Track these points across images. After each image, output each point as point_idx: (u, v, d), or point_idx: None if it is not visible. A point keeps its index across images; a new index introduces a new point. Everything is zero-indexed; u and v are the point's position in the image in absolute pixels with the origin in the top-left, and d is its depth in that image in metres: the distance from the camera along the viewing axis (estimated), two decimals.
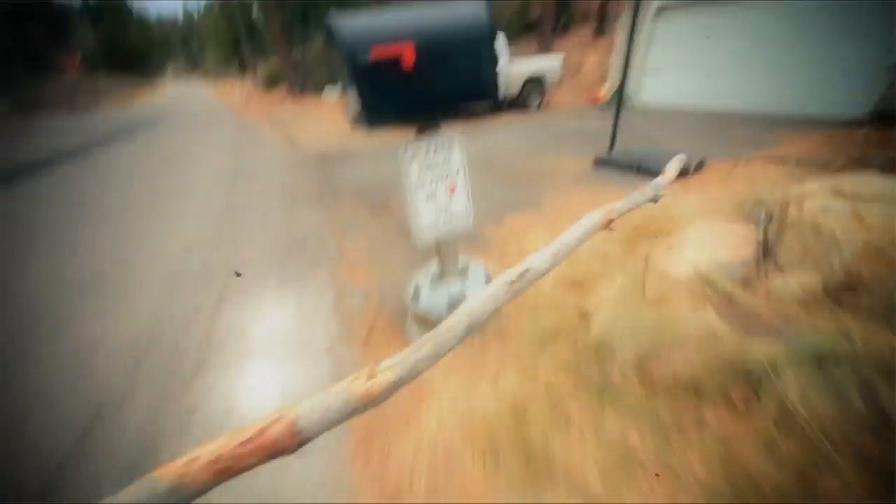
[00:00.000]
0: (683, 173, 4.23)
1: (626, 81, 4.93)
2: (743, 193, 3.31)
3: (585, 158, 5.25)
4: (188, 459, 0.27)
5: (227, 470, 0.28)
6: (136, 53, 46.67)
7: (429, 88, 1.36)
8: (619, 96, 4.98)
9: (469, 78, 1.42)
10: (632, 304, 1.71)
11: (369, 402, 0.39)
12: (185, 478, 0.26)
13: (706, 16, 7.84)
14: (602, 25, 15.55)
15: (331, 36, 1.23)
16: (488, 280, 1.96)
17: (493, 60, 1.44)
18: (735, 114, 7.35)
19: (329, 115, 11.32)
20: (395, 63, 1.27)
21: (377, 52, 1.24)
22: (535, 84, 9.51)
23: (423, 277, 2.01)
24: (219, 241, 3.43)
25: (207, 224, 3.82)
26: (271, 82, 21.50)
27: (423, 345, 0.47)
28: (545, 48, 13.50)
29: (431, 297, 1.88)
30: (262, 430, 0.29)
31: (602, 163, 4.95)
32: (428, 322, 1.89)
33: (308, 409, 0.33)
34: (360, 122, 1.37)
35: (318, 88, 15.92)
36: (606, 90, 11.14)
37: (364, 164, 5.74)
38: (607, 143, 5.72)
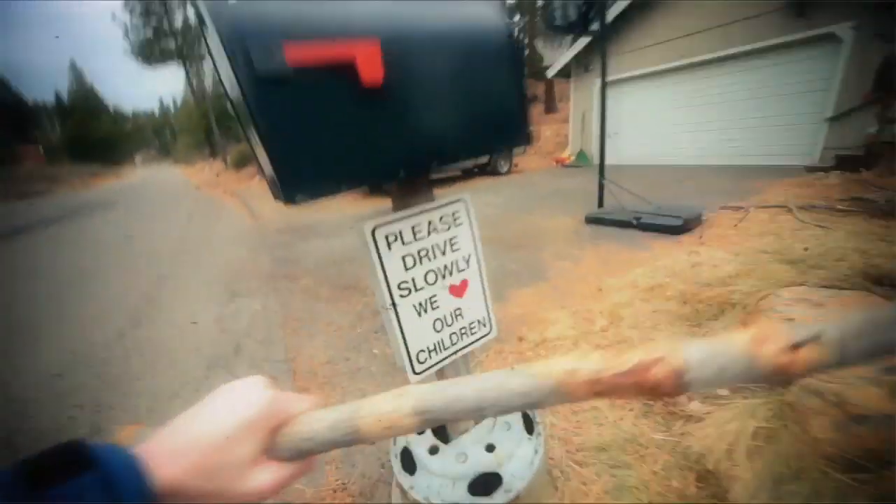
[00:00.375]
0: (686, 228, 3.86)
1: (604, 143, 4.82)
2: (780, 247, 2.87)
3: (572, 216, 4.89)
4: (569, 369, 0.26)
5: (601, 392, 0.25)
6: (103, 144, 47.01)
7: (411, 123, 0.74)
8: (601, 160, 4.81)
9: (484, 106, 0.82)
10: (793, 443, 0.96)
11: (781, 377, 0.23)
12: (565, 386, 0.26)
13: (650, 85, 8.58)
14: (551, 104, 17.58)
15: (203, 25, 0.59)
16: (531, 425, 1.17)
17: (520, 77, 0.86)
18: (693, 167, 7.63)
19: None
20: (340, 76, 0.64)
21: (302, 53, 0.61)
22: (502, 153, 10.06)
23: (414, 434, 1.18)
24: (112, 356, 2.45)
25: (107, 329, 2.84)
26: (241, 162, 21.57)
27: (889, 317, 0.20)
28: None
29: (438, 476, 1.05)
30: (645, 368, 0.24)
31: (594, 220, 4.57)
32: None
33: (699, 362, 0.23)
34: (276, 192, 0.69)
35: None
36: (569, 153, 11.84)
37: (333, 235, 5.07)
38: (588, 200, 5.48)
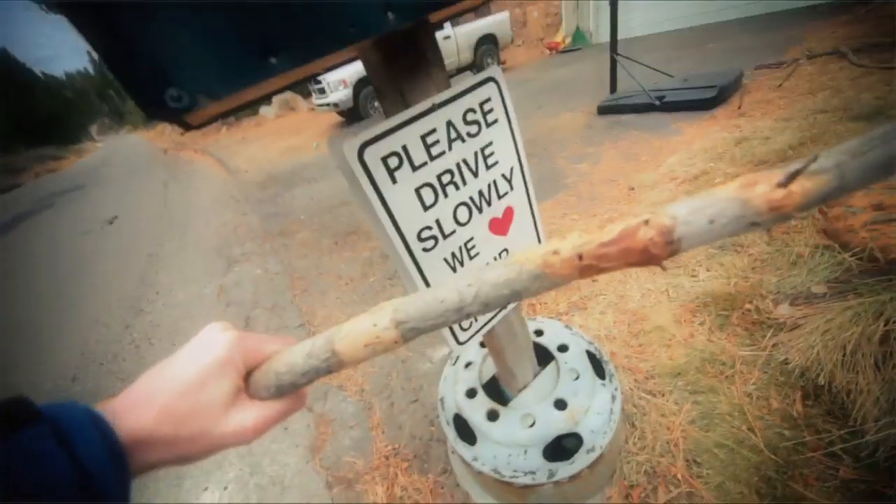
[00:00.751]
0: (720, 99, 3.29)
1: (615, 8, 3.90)
2: (841, 101, 2.40)
3: (581, 109, 4.28)
4: (550, 249, 0.25)
5: (589, 268, 0.24)
6: (51, 118, 42.82)
7: None
8: (613, 32, 3.95)
9: None
10: None
11: (776, 217, 0.21)
12: (549, 268, 0.25)
13: None
14: None
15: None
16: (601, 368, 0.97)
17: None
18: (714, 25, 6.49)
19: (269, 133, 10.00)
20: None
21: None
22: (488, 47, 8.70)
23: (462, 395, 1.00)
24: (122, 350, 2.32)
25: (111, 321, 2.69)
26: None
27: (880, 138, 0.18)
28: (484, 12, 12.50)
29: (504, 445, 0.88)
30: (629, 233, 0.22)
31: (608, 109, 3.98)
32: (508, 485, 0.90)
33: (688, 214, 0.22)
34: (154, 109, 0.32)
35: (253, 109, 14.40)
36: (563, 35, 10.22)
37: (320, 179, 4.62)
38: (595, 87, 4.78)
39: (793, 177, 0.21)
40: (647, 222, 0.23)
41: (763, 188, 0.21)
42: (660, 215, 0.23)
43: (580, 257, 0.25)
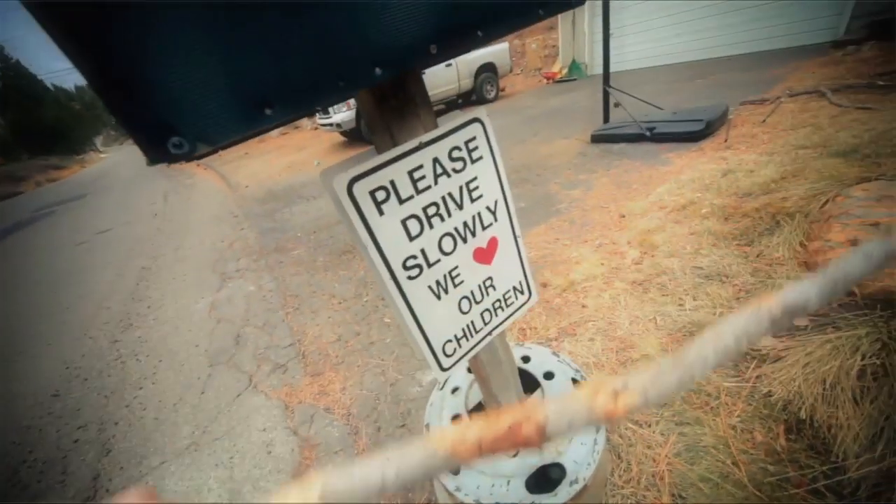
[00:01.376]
0: (708, 132, 3.43)
1: (607, 44, 4.12)
2: (821, 138, 2.51)
3: (576, 137, 4.43)
4: (458, 438, 0.30)
5: (486, 451, 0.30)
6: (57, 129, 43.54)
7: None
8: (605, 66, 4.16)
9: None
10: None
11: (609, 421, 0.30)
12: (457, 453, 0.29)
13: None
14: None
15: None
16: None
17: None
18: (701, 62, 6.86)
19: (272, 150, 10.18)
20: None
21: None
22: (487, 75, 9.04)
23: (448, 421, 1.00)
24: (108, 365, 2.27)
25: (98, 335, 2.64)
26: None
27: (668, 371, 0.30)
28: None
29: (488, 475, 0.88)
30: (516, 428, 0.30)
31: (601, 138, 4.12)
32: None
33: (555, 415, 0.30)
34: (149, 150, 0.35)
35: None
36: (560, 66, 10.69)
37: (319, 196, 4.68)
38: (590, 116, 4.97)
39: (618, 393, 0.29)
40: (528, 418, 0.30)
41: (602, 398, 0.29)
42: (537, 414, 0.30)
43: (480, 446, 0.30)
